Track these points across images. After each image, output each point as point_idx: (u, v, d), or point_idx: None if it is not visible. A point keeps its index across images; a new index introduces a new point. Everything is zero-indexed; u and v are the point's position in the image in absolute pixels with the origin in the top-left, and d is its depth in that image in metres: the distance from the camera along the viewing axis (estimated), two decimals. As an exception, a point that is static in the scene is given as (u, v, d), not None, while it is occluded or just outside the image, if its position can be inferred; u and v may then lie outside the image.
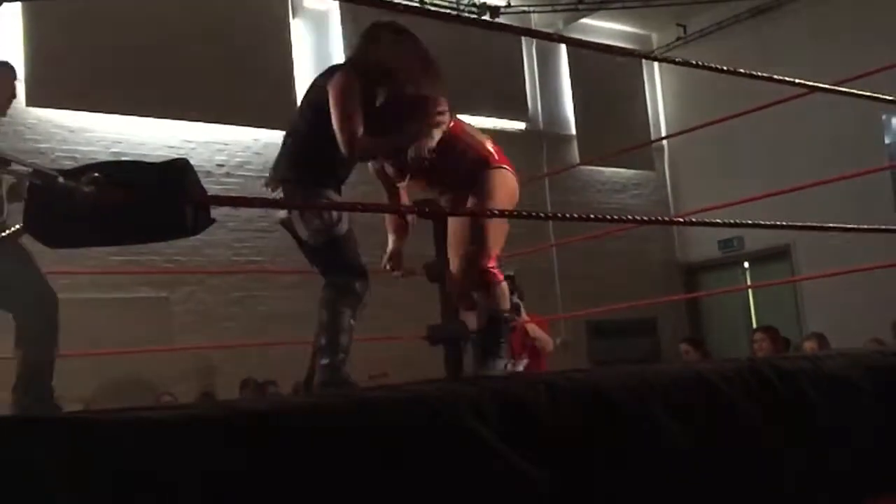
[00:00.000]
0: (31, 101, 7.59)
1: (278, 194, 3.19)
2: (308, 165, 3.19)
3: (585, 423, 1.75)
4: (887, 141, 9.78)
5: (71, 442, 1.26)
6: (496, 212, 3.11)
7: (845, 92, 3.11)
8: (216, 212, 2.71)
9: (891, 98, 3.07)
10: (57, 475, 1.22)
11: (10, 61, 3.89)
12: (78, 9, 7.31)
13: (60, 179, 1.77)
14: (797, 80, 2.75)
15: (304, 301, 8.56)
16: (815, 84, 2.89)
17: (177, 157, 2.54)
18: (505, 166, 3.42)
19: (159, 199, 1.82)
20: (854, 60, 7.58)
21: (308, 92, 3.36)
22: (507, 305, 3.42)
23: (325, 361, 3.06)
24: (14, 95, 3.80)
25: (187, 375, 7.93)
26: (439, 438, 1.52)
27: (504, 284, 3.38)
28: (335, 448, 1.42)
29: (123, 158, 7.39)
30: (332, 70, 3.28)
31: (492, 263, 3.34)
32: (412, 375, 3.16)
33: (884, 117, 9.66)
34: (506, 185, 3.39)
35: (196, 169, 2.60)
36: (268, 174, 3.33)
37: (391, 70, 3.22)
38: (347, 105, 3.09)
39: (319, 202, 3.17)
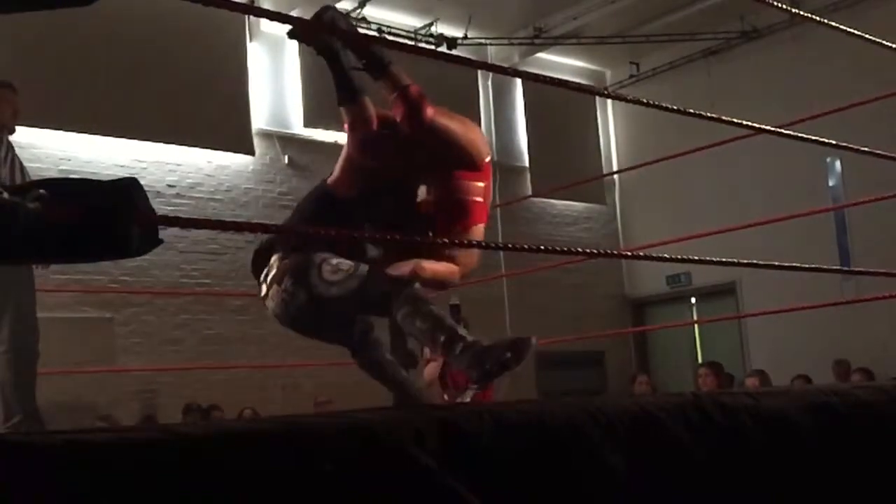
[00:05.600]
0: (-22, 114, 7.45)
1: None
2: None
3: (529, 454, 1.75)
4: (831, 183, 10.03)
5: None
6: (457, 241, 3.13)
7: (787, 135, 3.18)
8: (165, 233, 2.67)
9: (833, 142, 3.15)
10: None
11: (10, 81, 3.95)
12: (29, 24, 7.20)
13: (4, 195, 1.74)
14: (744, 122, 2.81)
15: (252, 325, 8.57)
16: (760, 126, 2.95)
17: (126, 176, 2.52)
18: None
19: (105, 217, 1.80)
20: (800, 103, 7.80)
21: None
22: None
23: (459, 347, 3.01)
24: (18, 112, 3.85)
25: (129, 398, 7.79)
26: (377, 464, 1.51)
27: None
28: (265, 474, 1.40)
29: (71, 176, 7.28)
30: None
31: None
32: (361, 403, 3.14)
33: (828, 160, 9.90)
34: None
35: (146, 189, 2.56)
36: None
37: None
38: None
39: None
